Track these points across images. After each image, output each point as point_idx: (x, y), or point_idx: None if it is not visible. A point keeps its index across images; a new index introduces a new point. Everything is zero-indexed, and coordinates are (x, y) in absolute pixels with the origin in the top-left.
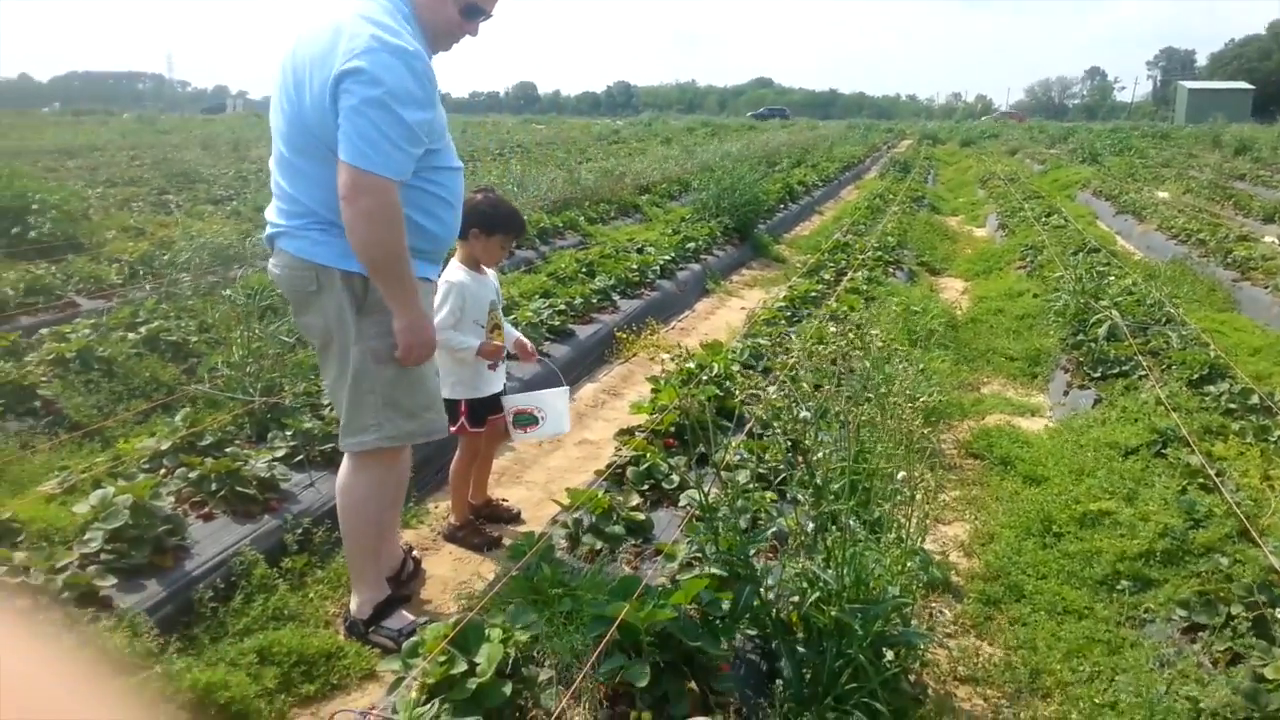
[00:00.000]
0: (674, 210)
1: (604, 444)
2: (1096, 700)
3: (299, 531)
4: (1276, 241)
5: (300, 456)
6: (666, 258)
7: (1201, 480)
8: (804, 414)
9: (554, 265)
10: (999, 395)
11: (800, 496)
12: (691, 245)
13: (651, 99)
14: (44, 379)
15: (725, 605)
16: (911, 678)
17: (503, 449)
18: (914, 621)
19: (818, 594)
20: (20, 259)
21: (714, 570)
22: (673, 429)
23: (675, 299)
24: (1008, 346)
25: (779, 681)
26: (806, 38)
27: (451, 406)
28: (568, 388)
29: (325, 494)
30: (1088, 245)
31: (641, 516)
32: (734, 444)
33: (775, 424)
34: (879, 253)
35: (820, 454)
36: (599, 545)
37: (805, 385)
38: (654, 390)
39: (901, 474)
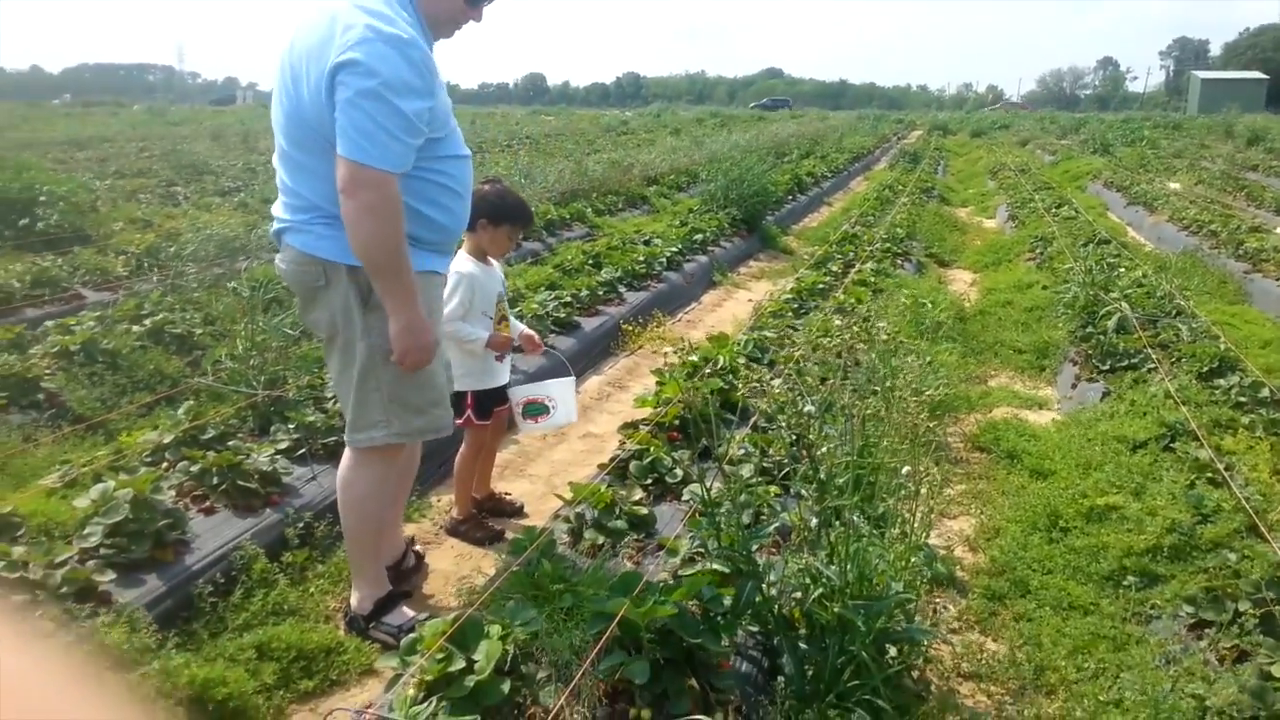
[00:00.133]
0: (682, 201)
1: (608, 437)
2: (1101, 697)
3: (300, 526)
4: None
5: (303, 450)
6: (673, 250)
7: (1210, 475)
8: (809, 408)
9: (560, 257)
10: (1006, 388)
11: (804, 491)
12: (699, 237)
13: (661, 90)
14: (48, 372)
15: (727, 601)
16: (915, 674)
17: (507, 442)
18: (917, 617)
19: (821, 590)
20: (27, 251)
21: (716, 566)
22: (677, 422)
23: (682, 291)
24: (1016, 339)
25: (781, 678)
26: (817, 28)
27: (458, 398)
28: (574, 377)
29: (327, 488)
30: (1098, 237)
31: (644, 511)
32: (738, 438)
33: (779, 418)
34: (887, 245)
35: (825, 448)
36: (601, 540)
37: (810, 379)
38: (659, 383)
39: (906, 469)
